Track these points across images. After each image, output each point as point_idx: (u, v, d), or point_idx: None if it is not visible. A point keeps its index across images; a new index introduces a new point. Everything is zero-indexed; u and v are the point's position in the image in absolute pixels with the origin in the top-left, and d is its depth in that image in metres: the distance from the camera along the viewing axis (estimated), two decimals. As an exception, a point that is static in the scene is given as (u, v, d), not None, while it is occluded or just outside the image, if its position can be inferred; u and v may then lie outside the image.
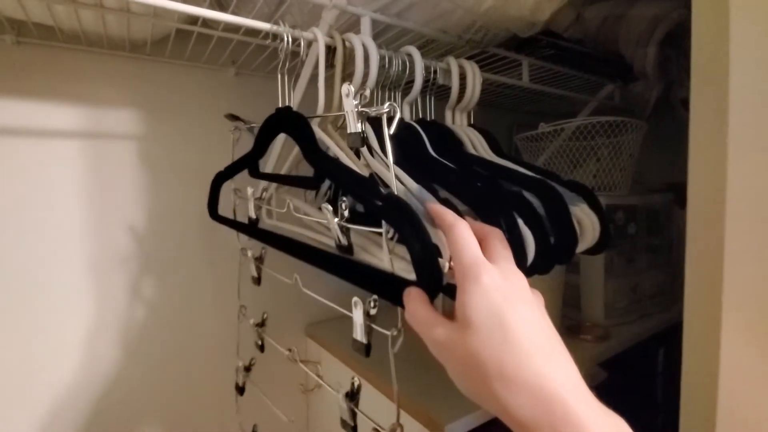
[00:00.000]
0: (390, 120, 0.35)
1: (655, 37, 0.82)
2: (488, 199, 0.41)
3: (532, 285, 0.29)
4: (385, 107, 0.35)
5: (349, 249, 0.39)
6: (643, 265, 0.88)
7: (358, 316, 0.41)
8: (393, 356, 0.37)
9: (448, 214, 0.31)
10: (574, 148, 0.89)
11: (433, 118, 0.64)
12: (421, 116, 0.63)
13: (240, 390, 0.71)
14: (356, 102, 0.38)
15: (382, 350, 0.40)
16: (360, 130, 0.38)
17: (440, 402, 0.58)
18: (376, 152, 0.46)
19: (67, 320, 0.68)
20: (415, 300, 0.30)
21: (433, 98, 0.64)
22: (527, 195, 0.44)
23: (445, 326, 0.27)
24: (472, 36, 0.68)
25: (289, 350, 0.68)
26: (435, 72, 0.62)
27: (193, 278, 0.79)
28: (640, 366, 0.95)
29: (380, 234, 0.42)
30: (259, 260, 0.66)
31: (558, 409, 0.22)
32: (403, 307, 0.31)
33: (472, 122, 0.67)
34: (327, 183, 0.66)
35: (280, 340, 0.66)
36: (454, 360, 0.27)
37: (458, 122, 0.66)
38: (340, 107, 0.53)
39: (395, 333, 0.37)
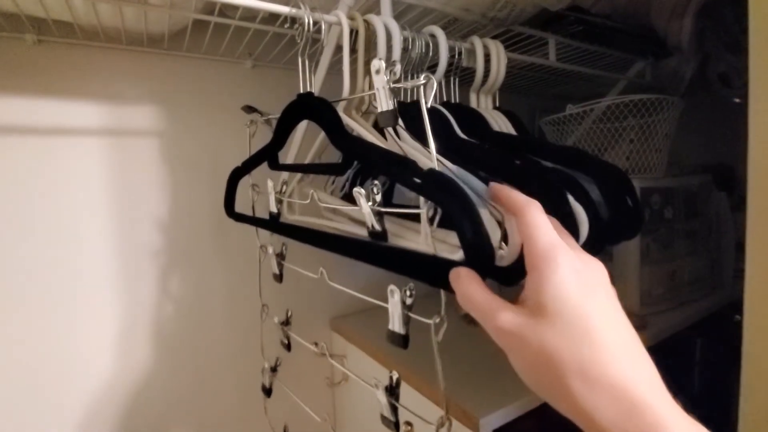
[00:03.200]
0: (429, 90, 0.33)
1: (692, 7, 0.77)
2: (531, 176, 0.38)
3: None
4: (422, 78, 0.33)
5: (383, 235, 0.37)
6: (681, 250, 0.84)
7: (394, 305, 0.39)
8: (437, 345, 0.36)
9: (518, 195, 0.28)
10: (603, 131, 0.85)
11: (457, 101, 0.61)
12: (445, 100, 0.60)
13: (267, 392, 0.69)
14: (387, 78, 0.36)
15: (411, 342, 0.38)
16: (392, 107, 0.36)
17: (473, 394, 0.56)
18: (405, 134, 0.44)
19: (95, 321, 0.69)
20: (468, 281, 0.27)
21: (457, 80, 0.62)
22: (572, 172, 0.41)
23: (513, 312, 0.25)
24: (497, 14, 0.65)
25: (315, 344, 0.67)
26: (459, 53, 0.59)
27: (213, 275, 0.79)
28: (677, 357, 0.91)
29: (417, 218, 0.40)
30: (280, 256, 0.65)
31: (648, 416, 0.20)
32: (448, 290, 0.29)
33: (497, 105, 0.65)
34: (345, 176, 0.64)
35: (304, 335, 0.65)
36: (522, 350, 0.24)
37: (483, 105, 0.63)
38: (364, 91, 0.51)
39: (438, 321, 0.35)
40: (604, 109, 0.81)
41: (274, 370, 0.69)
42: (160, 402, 0.75)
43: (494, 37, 0.65)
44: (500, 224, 0.30)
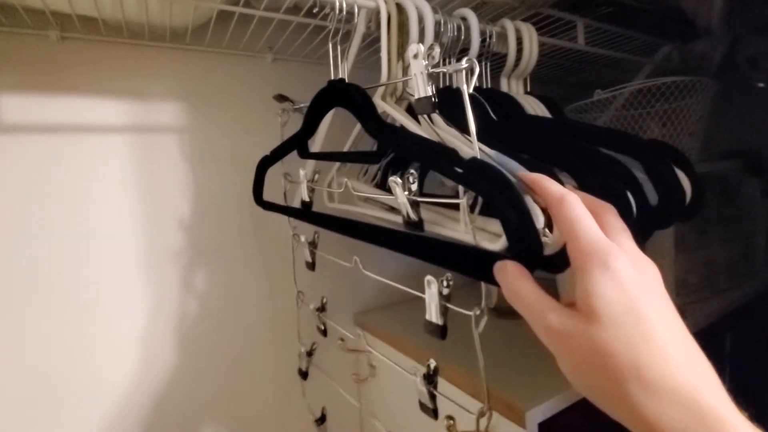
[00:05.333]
0: (469, 76, 0.32)
1: (724, -15, 0.75)
2: (575, 160, 0.37)
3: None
4: (464, 62, 0.31)
5: (419, 224, 0.35)
6: (716, 237, 0.81)
7: (431, 296, 0.38)
8: (478, 337, 0.34)
9: (552, 185, 0.26)
10: (628, 117, 0.83)
11: (489, 86, 0.60)
12: (476, 85, 0.59)
13: (304, 375, 0.71)
14: (426, 63, 0.35)
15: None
16: (430, 93, 0.35)
17: (517, 387, 0.54)
18: (440, 119, 0.43)
19: (124, 315, 0.68)
20: (516, 276, 0.26)
21: (488, 65, 0.60)
22: (615, 155, 0.39)
23: (563, 314, 0.23)
24: (527, -5, 0.63)
25: (342, 340, 0.67)
26: (490, 36, 0.58)
27: (242, 266, 0.78)
28: (712, 349, 0.88)
29: (456, 207, 0.39)
30: (312, 245, 0.64)
31: (715, 425, 0.19)
32: (491, 283, 0.27)
33: (528, 90, 0.63)
34: (377, 165, 0.63)
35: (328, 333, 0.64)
36: (572, 353, 0.23)
37: (514, 90, 0.61)
38: (396, 77, 0.50)
39: (478, 312, 0.34)
40: (633, 93, 0.78)
41: (310, 354, 0.69)
42: (194, 393, 0.74)
43: (523, 21, 0.63)
44: (544, 210, 0.28)
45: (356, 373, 0.86)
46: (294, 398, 0.78)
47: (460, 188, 0.36)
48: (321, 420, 0.74)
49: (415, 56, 0.36)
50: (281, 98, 0.66)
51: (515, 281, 0.26)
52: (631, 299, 0.21)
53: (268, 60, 0.78)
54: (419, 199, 0.37)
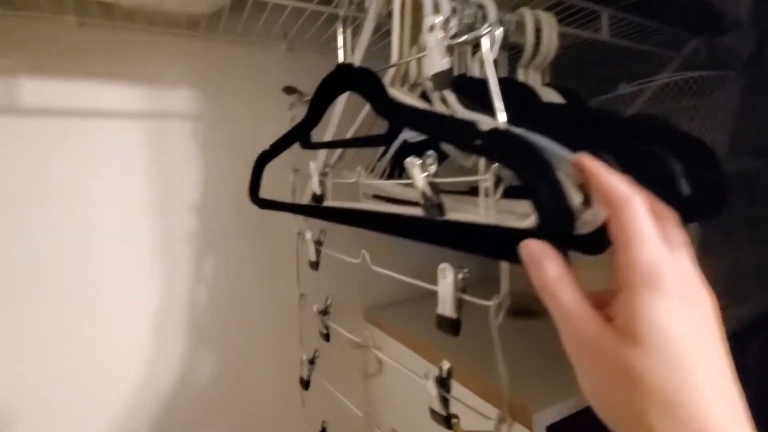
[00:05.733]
0: (492, 42, 0.30)
1: (757, -25, 0.71)
2: (607, 147, 0.35)
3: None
4: (484, 28, 0.30)
5: (440, 207, 0.34)
6: (744, 239, 0.77)
7: (446, 286, 0.36)
8: (496, 331, 0.33)
9: (616, 180, 0.23)
10: (656, 112, 0.80)
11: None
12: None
13: (305, 384, 0.68)
14: (442, 35, 0.33)
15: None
16: (448, 66, 0.33)
17: (525, 388, 0.53)
18: (456, 103, 0.41)
19: (130, 312, 0.69)
20: (544, 261, 0.23)
21: (506, 55, 0.58)
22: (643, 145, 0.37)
23: (601, 327, 0.21)
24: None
25: (360, 344, 0.65)
26: (508, 25, 0.56)
27: (249, 262, 0.78)
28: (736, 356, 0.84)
29: (476, 193, 0.37)
30: (318, 243, 0.62)
31: None
32: (518, 263, 0.26)
33: (546, 81, 0.61)
34: (386, 159, 0.61)
35: (338, 325, 0.63)
36: (599, 369, 0.21)
37: (532, 81, 0.59)
38: (410, 63, 0.48)
39: (498, 302, 0.32)
40: (660, 88, 0.75)
41: (312, 362, 0.67)
42: (195, 395, 0.74)
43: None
44: (582, 186, 0.26)
45: (363, 370, 0.85)
46: (297, 407, 0.77)
47: (481, 167, 0.34)
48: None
49: (431, 28, 0.35)
50: (290, 90, 0.65)
51: (541, 267, 0.23)
52: (680, 331, 0.20)
53: (283, 49, 0.77)
54: (439, 180, 0.35)
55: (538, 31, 0.57)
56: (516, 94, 0.50)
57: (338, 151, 0.60)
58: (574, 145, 0.35)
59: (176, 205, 0.71)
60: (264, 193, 0.62)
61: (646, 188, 0.32)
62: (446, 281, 0.36)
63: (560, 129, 0.38)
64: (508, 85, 0.52)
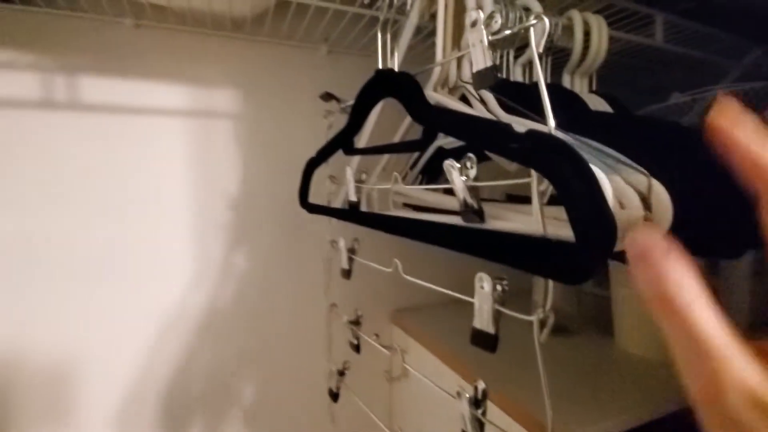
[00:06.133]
0: (540, 33, 0.29)
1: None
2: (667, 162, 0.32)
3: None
4: (532, 19, 0.28)
5: (479, 213, 0.33)
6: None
7: (483, 298, 0.35)
8: (540, 348, 0.31)
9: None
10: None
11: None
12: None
13: (334, 396, 0.67)
14: (485, 30, 0.32)
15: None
16: (492, 64, 0.32)
17: (560, 409, 0.50)
18: (498, 108, 0.40)
19: (163, 288, 0.71)
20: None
21: (550, 60, 0.56)
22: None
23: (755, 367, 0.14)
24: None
25: (376, 335, 0.64)
26: (555, 29, 0.54)
27: (278, 259, 0.79)
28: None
29: (519, 201, 0.36)
30: (351, 251, 0.62)
31: None
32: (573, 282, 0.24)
33: (593, 89, 0.58)
34: (418, 168, 0.60)
35: (363, 327, 0.62)
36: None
37: (578, 88, 0.57)
38: (451, 64, 0.47)
39: (542, 316, 0.30)
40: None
41: (342, 373, 0.66)
42: (218, 398, 0.76)
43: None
44: (643, 194, 0.24)
45: (387, 372, 0.83)
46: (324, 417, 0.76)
47: (533, 171, 0.32)
48: None
49: (474, 24, 0.33)
50: (328, 97, 0.65)
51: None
52: None
53: (323, 52, 0.78)
54: (480, 183, 0.33)
55: (586, 35, 0.54)
56: (562, 100, 0.48)
57: (382, 160, 0.59)
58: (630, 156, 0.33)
59: (214, 200, 0.73)
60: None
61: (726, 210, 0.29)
62: (484, 292, 0.35)
63: (612, 139, 0.36)
64: (554, 90, 0.50)
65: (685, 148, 0.33)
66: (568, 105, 0.48)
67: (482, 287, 0.35)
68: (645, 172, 0.27)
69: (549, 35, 0.53)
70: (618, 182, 0.25)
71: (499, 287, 0.34)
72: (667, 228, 0.24)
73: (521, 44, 0.55)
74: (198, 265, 0.73)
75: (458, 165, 0.32)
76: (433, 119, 0.37)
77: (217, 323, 0.75)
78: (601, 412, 0.50)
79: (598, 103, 0.53)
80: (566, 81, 0.57)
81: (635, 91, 1.07)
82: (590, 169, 0.23)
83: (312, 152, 0.60)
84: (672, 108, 0.75)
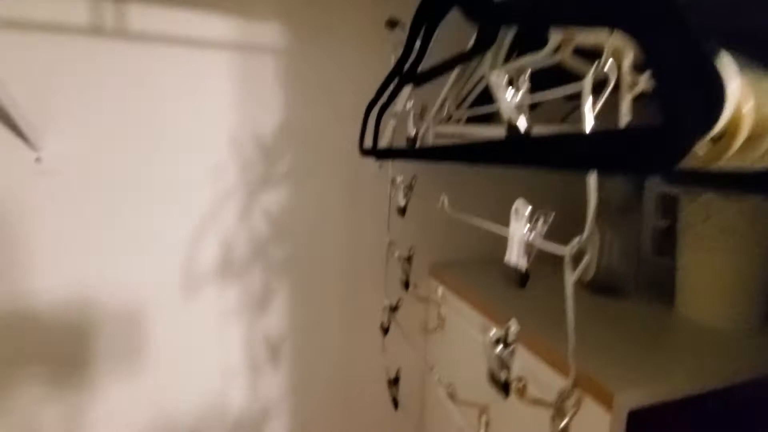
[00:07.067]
0: None
1: None
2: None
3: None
4: None
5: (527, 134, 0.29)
6: None
7: (517, 229, 0.32)
8: (571, 285, 0.28)
9: None
10: None
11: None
12: None
13: (385, 330, 0.69)
14: None
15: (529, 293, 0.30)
16: None
17: (608, 366, 0.46)
18: None
19: (209, 219, 0.74)
20: None
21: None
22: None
23: None
24: None
25: (415, 286, 0.63)
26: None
27: (331, 196, 0.80)
28: None
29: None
30: (409, 188, 0.62)
31: None
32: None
33: None
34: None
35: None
36: None
37: None
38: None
39: (575, 250, 0.27)
40: None
41: (394, 309, 0.68)
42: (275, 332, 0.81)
43: None
44: None
45: (424, 324, 0.84)
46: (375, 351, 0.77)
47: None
48: (395, 381, 0.72)
49: None
50: (392, 24, 0.62)
51: None
52: None
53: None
54: (533, 100, 0.29)
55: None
56: None
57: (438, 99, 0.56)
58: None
59: (260, 136, 0.74)
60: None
61: None
62: (518, 222, 0.32)
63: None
64: None
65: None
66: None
67: (518, 218, 0.32)
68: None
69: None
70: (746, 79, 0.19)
71: (538, 219, 0.31)
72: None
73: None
74: (243, 199, 0.75)
75: (507, 77, 0.29)
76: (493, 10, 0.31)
77: (270, 264, 0.79)
78: (655, 374, 0.46)
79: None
80: None
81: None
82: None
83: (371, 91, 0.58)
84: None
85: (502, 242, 0.34)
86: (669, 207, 0.75)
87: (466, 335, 0.73)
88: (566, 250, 0.28)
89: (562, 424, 0.30)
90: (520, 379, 0.40)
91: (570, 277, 0.27)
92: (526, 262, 0.32)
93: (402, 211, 0.62)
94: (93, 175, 0.67)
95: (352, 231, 0.82)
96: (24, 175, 0.64)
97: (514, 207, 0.33)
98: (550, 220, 0.31)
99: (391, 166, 0.67)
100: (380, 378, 0.85)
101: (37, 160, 0.64)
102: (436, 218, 0.85)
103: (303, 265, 0.81)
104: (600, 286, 0.69)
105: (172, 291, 0.74)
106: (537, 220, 0.31)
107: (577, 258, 0.28)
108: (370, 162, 0.78)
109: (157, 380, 0.75)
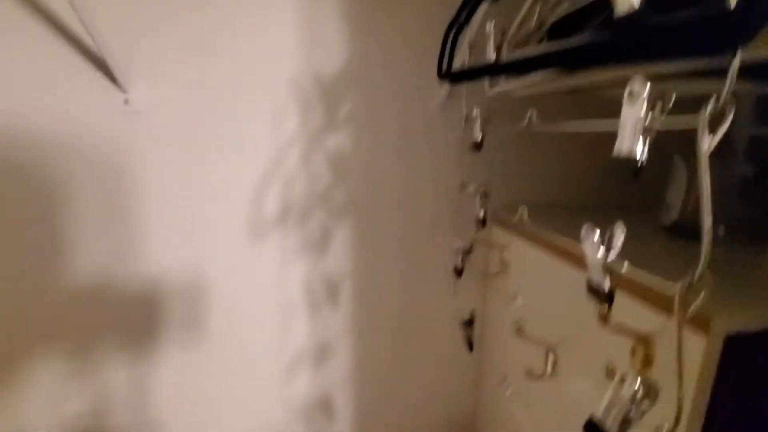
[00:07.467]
0: None
1: None
2: None
3: None
4: None
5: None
6: None
7: (632, 113, 0.30)
8: (706, 157, 0.26)
9: None
10: None
11: None
12: None
13: (459, 272, 0.70)
14: None
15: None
16: None
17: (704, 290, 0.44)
18: None
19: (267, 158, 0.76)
20: None
21: None
22: None
23: None
24: None
25: (493, 240, 0.61)
26: None
27: (393, 136, 0.80)
28: None
29: None
30: (486, 121, 0.61)
31: None
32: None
33: None
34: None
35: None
36: None
37: None
38: None
39: (711, 114, 0.25)
40: None
41: (469, 252, 0.68)
42: (341, 267, 0.83)
43: None
44: None
45: (483, 270, 0.82)
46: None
47: None
48: (469, 322, 0.73)
49: None
50: None
51: None
52: None
53: None
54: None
55: None
56: None
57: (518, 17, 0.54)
58: None
59: (325, 75, 0.74)
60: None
61: None
62: (633, 107, 0.31)
63: None
64: None
65: None
66: None
67: (633, 101, 0.30)
68: None
69: None
70: None
71: (659, 99, 0.29)
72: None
73: None
74: (304, 139, 0.76)
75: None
76: None
77: (332, 211, 0.80)
78: (754, 303, 0.44)
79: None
80: None
81: None
82: None
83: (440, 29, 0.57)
84: None
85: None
86: (759, 152, 0.70)
87: (527, 279, 0.72)
88: (702, 115, 0.26)
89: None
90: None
91: (705, 143, 0.26)
92: (642, 147, 0.31)
93: (478, 146, 0.61)
94: (171, 120, 0.70)
95: (412, 173, 0.82)
96: (114, 116, 0.67)
97: (627, 90, 0.31)
98: (672, 100, 0.30)
99: (464, 103, 0.65)
100: (440, 319, 0.87)
101: (126, 101, 0.67)
102: (500, 161, 0.83)
103: (363, 207, 0.81)
104: (682, 231, 0.66)
105: (239, 235, 0.77)
106: (659, 100, 0.30)
107: (713, 123, 0.26)
108: (431, 103, 0.77)
109: (219, 325, 0.79)
